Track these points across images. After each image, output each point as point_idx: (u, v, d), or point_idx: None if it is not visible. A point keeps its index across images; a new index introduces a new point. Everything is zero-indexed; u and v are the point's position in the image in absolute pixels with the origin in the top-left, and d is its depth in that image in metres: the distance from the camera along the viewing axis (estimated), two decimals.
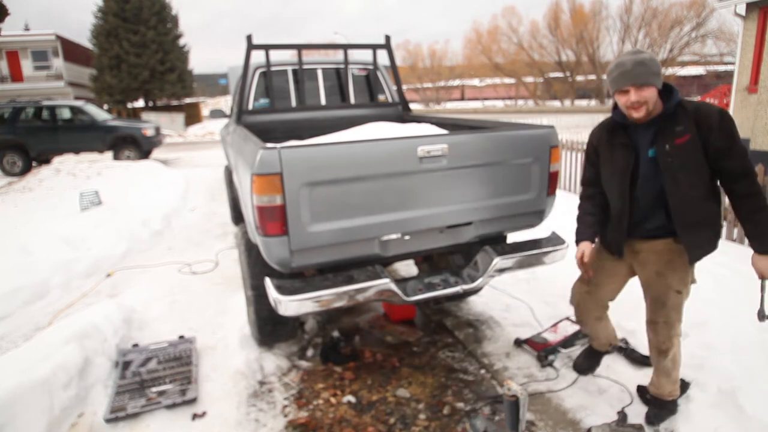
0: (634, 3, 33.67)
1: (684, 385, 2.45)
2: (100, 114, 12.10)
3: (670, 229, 2.02)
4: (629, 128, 2.01)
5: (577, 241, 2.22)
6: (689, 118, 1.87)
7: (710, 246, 2.07)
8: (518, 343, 3.01)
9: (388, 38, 4.02)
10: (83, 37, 27.50)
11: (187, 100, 27.22)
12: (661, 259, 2.11)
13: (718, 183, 1.97)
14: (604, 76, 1.85)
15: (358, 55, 4.52)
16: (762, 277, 2.00)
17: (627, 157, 1.99)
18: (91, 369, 2.65)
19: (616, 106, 1.99)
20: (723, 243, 4.58)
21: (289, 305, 2.12)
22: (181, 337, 3.11)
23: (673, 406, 2.29)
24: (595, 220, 2.21)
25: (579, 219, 2.27)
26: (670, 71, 35.53)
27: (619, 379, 2.61)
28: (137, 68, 22.51)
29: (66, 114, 11.66)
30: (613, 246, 2.21)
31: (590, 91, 38.74)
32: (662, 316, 2.16)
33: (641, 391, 2.44)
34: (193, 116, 26.42)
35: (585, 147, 6.94)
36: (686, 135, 1.87)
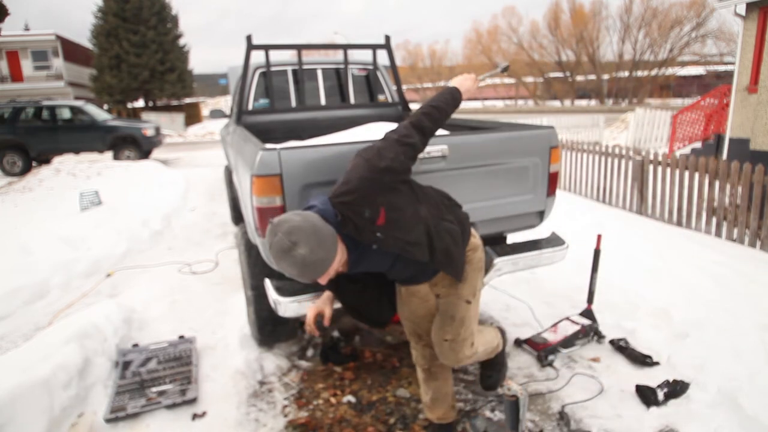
0: (634, 3, 33.73)
1: (684, 385, 2.45)
2: (100, 114, 12.10)
3: None
4: None
5: None
6: None
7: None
8: (518, 343, 3.01)
9: (387, 38, 4.02)
10: (83, 37, 27.53)
11: (187, 100, 27.20)
12: (449, 292, 1.90)
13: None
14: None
15: (358, 55, 4.52)
16: None
17: None
18: (91, 369, 2.65)
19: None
20: (722, 243, 4.61)
21: (288, 307, 2.12)
22: (181, 337, 3.12)
23: (499, 359, 2.20)
24: None
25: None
26: (670, 71, 35.58)
27: (619, 378, 2.62)
28: (137, 68, 22.51)
29: (66, 114, 11.66)
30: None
31: (590, 91, 38.74)
32: (450, 332, 1.88)
33: (641, 390, 2.44)
34: (193, 116, 26.41)
35: (588, 147, 6.90)
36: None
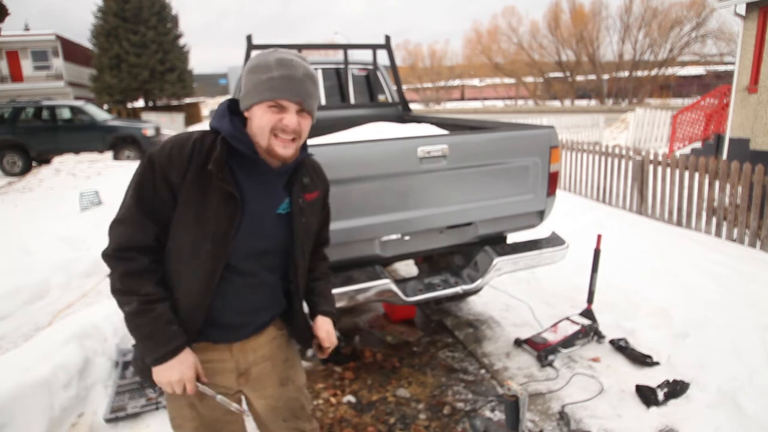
0: (634, 3, 33.72)
1: (684, 385, 2.45)
2: (100, 114, 12.10)
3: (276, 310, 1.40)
4: (244, 168, 1.23)
5: (177, 350, 1.20)
6: (314, 171, 1.43)
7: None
8: (518, 343, 3.01)
9: (387, 38, 4.02)
10: (83, 37, 27.54)
11: (187, 100, 27.19)
12: (273, 359, 1.41)
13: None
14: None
15: (358, 55, 4.52)
16: (324, 345, 1.41)
17: (228, 216, 1.19)
18: (91, 369, 2.65)
19: (229, 121, 1.21)
20: (722, 243, 4.61)
21: None
22: None
23: None
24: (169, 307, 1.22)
25: (148, 314, 1.18)
26: (670, 71, 35.58)
27: (619, 378, 2.62)
28: (137, 68, 22.50)
29: (66, 114, 11.66)
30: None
31: (590, 91, 38.74)
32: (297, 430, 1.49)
33: (641, 390, 2.44)
34: (193, 116, 26.39)
35: (588, 147, 6.90)
36: (316, 191, 1.39)
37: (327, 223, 1.51)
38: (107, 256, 1.18)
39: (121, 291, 1.17)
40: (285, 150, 1.19)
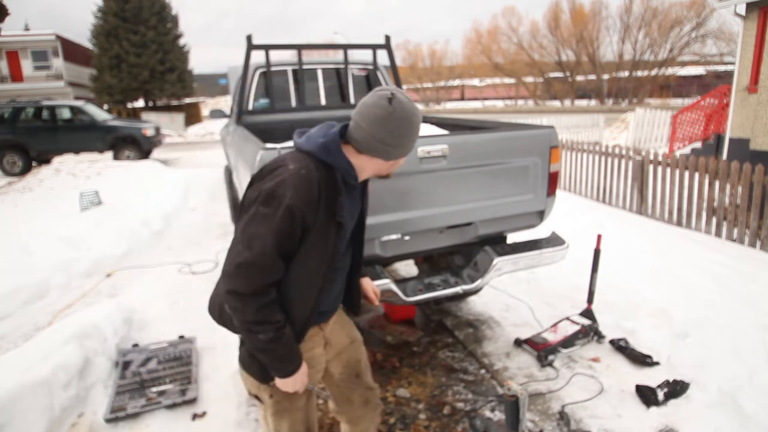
0: (634, 3, 33.71)
1: (684, 385, 2.45)
2: (100, 114, 12.10)
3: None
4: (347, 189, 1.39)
5: (300, 365, 1.39)
6: None
7: None
8: (518, 343, 3.01)
9: (387, 38, 4.02)
10: (83, 37, 27.53)
11: (187, 100, 27.19)
12: (340, 323, 1.69)
13: None
14: (398, 135, 1.27)
15: (358, 55, 4.52)
16: (372, 296, 1.81)
17: (337, 240, 1.36)
18: (91, 369, 2.65)
19: (344, 158, 1.31)
20: (722, 243, 4.61)
21: None
22: (181, 337, 3.12)
23: None
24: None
25: (282, 338, 1.31)
26: (670, 71, 35.58)
27: (619, 378, 2.62)
28: (137, 68, 22.50)
29: (66, 114, 11.66)
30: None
31: (590, 91, 38.74)
32: (365, 389, 1.73)
33: (641, 390, 2.44)
34: (193, 116, 26.39)
35: (588, 147, 6.90)
36: (367, 185, 1.57)
37: None
38: (241, 295, 1.24)
39: (255, 322, 1.26)
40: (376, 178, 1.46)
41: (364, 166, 1.35)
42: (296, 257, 1.30)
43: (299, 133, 1.38)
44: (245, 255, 1.23)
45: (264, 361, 1.35)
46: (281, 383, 1.39)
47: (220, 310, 1.41)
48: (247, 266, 1.23)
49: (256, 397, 1.52)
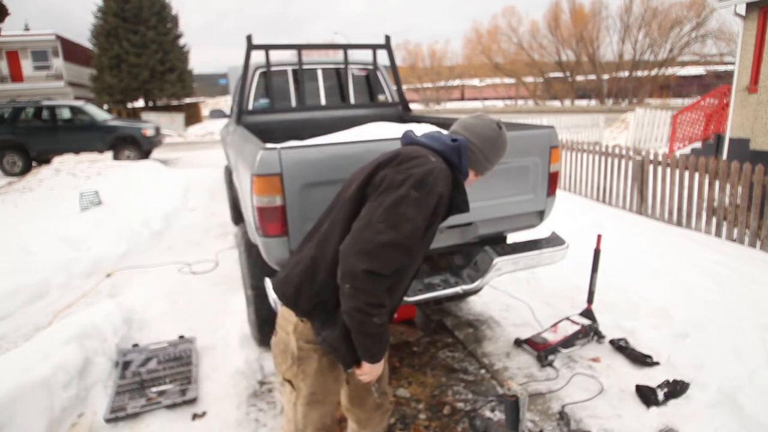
0: (634, 3, 33.70)
1: (684, 385, 2.45)
2: (100, 114, 12.09)
3: None
4: None
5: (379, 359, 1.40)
6: None
7: None
8: (518, 343, 3.01)
9: (387, 38, 4.02)
10: (83, 37, 27.50)
11: (187, 100, 27.17)
12: None
13: None
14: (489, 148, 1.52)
15: (358, 55, 4.52)
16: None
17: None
18: (91, 369, 2.65)
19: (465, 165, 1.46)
20: (722, 243, 4.61)
21: None
22: (181, 337, 3.12)
23: None
24: None
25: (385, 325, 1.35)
26: (670, 71, 35.57)
27: (619, 378, 2.62)
28: (137, 68, 22.47)
29: (66, 114, 11.65)
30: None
31: (590, 91, 38.74)
32: (379, 393, 1.70)
33: (641, 390, 2.44)
34: (193, 116, 26.37)
35: (588, 147, 6.89)
36: None
37: None
38: (378, 276, 1.23)
39: (377, 305, 1.26)
40: None
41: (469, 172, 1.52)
42: None
43: (412, 133, 1.54)
44: (391, 235, 1.22)
45: (366, 345, 1.33)
46: (368, 368, 1.40)
47: (297, 290, 1.38)
48: (394, 246, 1.22)
49: (290, 383, 1.50)
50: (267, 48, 3.77)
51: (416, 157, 1.35)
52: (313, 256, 1.38)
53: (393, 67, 4.23)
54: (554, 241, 2.73)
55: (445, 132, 1.51)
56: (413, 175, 1.28)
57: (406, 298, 2.38)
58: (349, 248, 1.25)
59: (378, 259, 1.22)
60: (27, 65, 25.12)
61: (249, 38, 3.57)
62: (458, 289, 2.51)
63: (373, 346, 1.34)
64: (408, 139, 1.54)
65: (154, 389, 2.56)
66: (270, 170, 2.00)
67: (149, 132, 11.76)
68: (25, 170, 11.30)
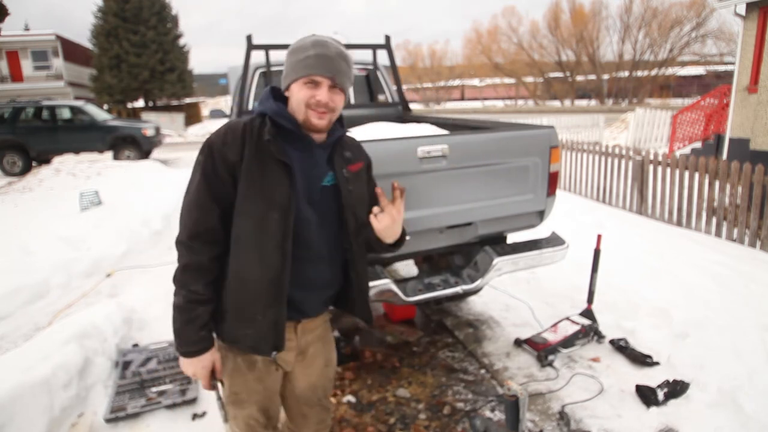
0: (634, 3, 33.71)
1: (684, 385, 2.45)
2: (100, 114, 12.10)
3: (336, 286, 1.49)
4: (290, 143, 1.32)
5: (199, 352, 1.37)
6: (354, 146, 1.49)
7: None
8: (518, 343, 3.01)
9: (387, 38, 4.02)
10: (83, 37, 27.51)
11: (187, 100, 27.18)
12: (324, 340, 1.56)
13: None
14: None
15: (358, 55, 4.51)
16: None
17: (287, 184, 1.27)
18: (91, 369, 2.65)
19: (274, 99, 1.34)
20: (722, 243, 4.61)
21: None
22: None
23: None
24: (210, 310, 1.37)
25: (189, 313, 1.35)
26: (670, 71, 35.57)
27: (619, 378, 2.62)
28: (137, 68, 22.48)
29: (66, 114, 11.66)
30: (263, 342, 1.33)
31: (590, 91, 38.74)
32: (322, 409, 1.63)
33: (641, 390, 2.44)
34: (193, 116, 26.39)
35: (588, 147, 6.90)
36: (358, 162, 1.45)
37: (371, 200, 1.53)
38: (180, 243, 1.32)
39: (178, 281, 1.33)
40: (319, 120, 1.30)
41: (292, 103, 1.33)
42: (236, 206, 1.28)
43: None
44: (184, 201, 1.31)
45: (173, 330, 1.36)
46: (180, 361, 1.40)
47: None
48: (184, 211, 1.31)
49: (221, 382, 1.46)
50: (267, 48, 3.77)
51: None
52: None
53: (393, 67, 4.23)
54: (554, 241, 2.74)
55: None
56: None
57: (406, 298, 2.38)
58: None
59: (179, 229, 1.34)
60: (27, 65, 25.13)
61: (249, 38, 3.57)
62: (458, 289, 2.51)
63: (174, 330, 1.37)
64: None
65: (154, 389, 2.56)
66: None
67: (149, 132, 11.76)
68: (25, 170, 11.31)
